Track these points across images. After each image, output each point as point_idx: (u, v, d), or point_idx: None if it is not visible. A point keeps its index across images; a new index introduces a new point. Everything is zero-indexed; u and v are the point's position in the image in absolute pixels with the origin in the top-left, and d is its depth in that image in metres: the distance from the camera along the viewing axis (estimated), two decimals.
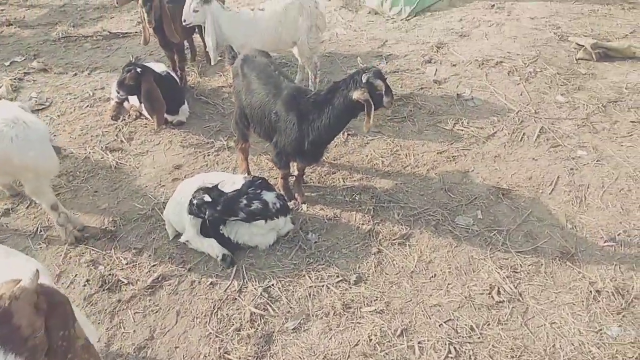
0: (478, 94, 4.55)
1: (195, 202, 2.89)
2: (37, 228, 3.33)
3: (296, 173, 3.44)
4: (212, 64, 4.16)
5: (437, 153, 3.87)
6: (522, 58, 5.08)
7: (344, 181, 3.63)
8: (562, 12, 6.05)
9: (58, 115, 4.49)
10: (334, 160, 3.85)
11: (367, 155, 3.89)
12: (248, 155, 3.64)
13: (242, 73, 3.31)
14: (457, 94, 4.55)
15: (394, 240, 3.12)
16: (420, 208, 3.36)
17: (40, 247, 3.21)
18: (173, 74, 4.40)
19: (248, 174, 3.62)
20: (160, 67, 4.35)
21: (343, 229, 3.23)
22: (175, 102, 4.20)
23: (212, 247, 3.02)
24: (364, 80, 2.80)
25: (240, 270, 2.97)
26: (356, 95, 2.82)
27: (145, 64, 3.97)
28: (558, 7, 6.22)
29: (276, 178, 3.53)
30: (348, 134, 4.10)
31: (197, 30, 4.73)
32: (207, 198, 2.88)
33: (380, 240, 3.14)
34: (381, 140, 4.05)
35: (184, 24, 3.99)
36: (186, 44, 5.02)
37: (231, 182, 3.12)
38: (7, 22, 6.51)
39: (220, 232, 3.02)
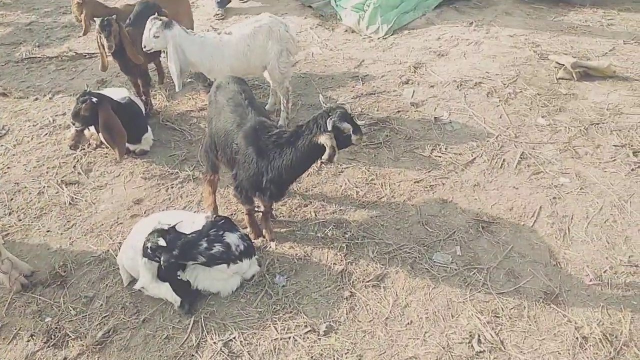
0: (456, 117, 4.39)
1: (149, 245, 2.65)
2: None
3: (262, 209, 3.21)
4: (177, 90, 3.93)
5: (414, 182, 3.68)
6: (502, 78, 4.95)
7: (316, 215, 3.41)
8: (541, 29, 5.96)
9: (14, 145, 4.21)
10: (306, 191, 3.63)
11: (341, 185, 3.68)
12: (216, 188, 3.41)
13: (215, 99, 3.14)
14: (435, 118, 4.39)
15: (367, 282, 2.91)
16: (396, 244, 3.16)
17: None
18: (136, 100, 4.16)
19: (214, 209, 3.39)
20: (121, 93, 4.11)
21: (314, 270, 3.01)
22: (138, 131, 3.95)
23: (169, 293, 2.77)
24: (329, 127, 2.61)
25: (199, 321, 2.72)
26: (322, 140, 2.64)
27: (101, 93, 3.72)
28: (537, 24, 6.14)
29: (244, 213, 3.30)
30: (321, 162, 3.88)
31: (163, 52, 4.51)
32: (162, 242, 2.63)
33: (353, 282, 2.92)
34: (356, 169, 3.85)
35: (144, 49, 3.76)
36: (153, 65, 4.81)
37: (191, 221, 2.89)
38: None
39: (178, 277, 2.77)
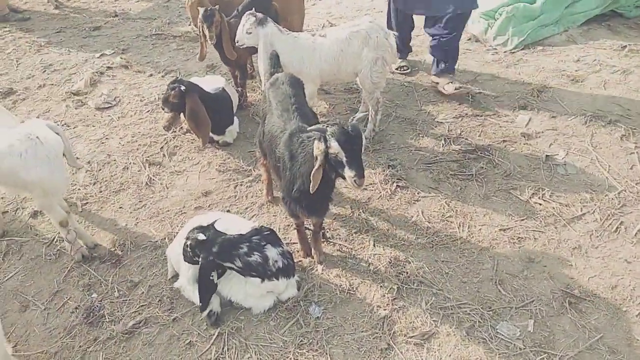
0: (574, 159, 3.69)
1: (189, 242, 2.59)
2: (55, 237, 3.30)
3: (311, 227, 3.00)
4: (263, 89, 3.84)
5: (500, 229, 3.16)
6: None
7: (374, 244, 3.10)
8: None
9: (118, 117, 4.52)
10: (372, 215, 3.32)
11: (412, 216, 3.30)
12: (270, 173, 3.35)
13: (268, 97, 3.02)
14: (547, 155, 3.73)
15: (411, 337, 2.54)
16: (456, 300, 2.72)
17: (50, 259, 3.16)
18: (229, 91, 4.18)
19: (269, 185, 3.37)
20: (218, 82, 4.16)
21: (354, 308, 2.72)
22: (223, 123, 3.97)
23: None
24: (328, 134, 2.29)
25: (224, 335, 2.62)
26: (314, 146, 2.34)
27: (191, 81, 3.78)
28: None
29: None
30: (397, 185, 3.54)
31: None
32: (202, 237, 2.56)
33: (394, 333, 2.58)
34: (435, 200, 3.42)
35: (236, 44, 3.72)
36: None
37: (237, 230, 2.78)
38: (114, 13, 6.89)
39: (211, 278, 2.66)
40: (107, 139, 4.23)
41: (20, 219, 3.46)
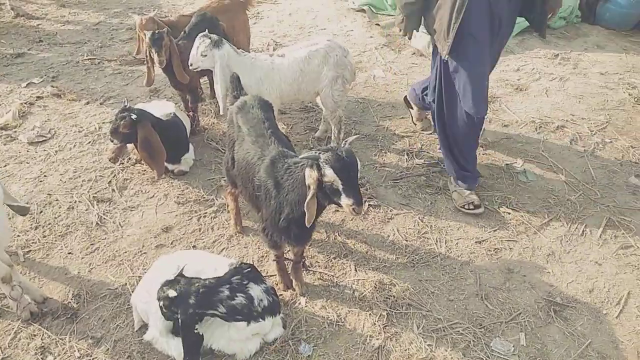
0: (532, 167, 3.81)
1: (161, 304, 2.34)
2: None
3: (292, 257, 2.84)
4: (222, 113, 3.65)
5: (476, 242, 3.17)
6: (589, 123, 4.31)
7: (356, 269, 2.99)
8: (639, 68, 5.21)
9: (56, 151, 4.10)
10: (348, 238, 3.22)
11: (388, 235, 3.23)
12: (238, 202, 3.18)
13: (236, 122, 2.81)
14: (507, 164, 3.83)
15: None
16: (447, 320, 2.67)
17: None
18: (181, 117, 3.93)
19: (239, 227, 3.16)
20: (168, 108, 3.89)
21: (346, 341, 2.58)
22: (178, 151, 3.71)
23: (178, 351, 2.44)
24: (321, 161, 2.16)
25: None
26: (306, 174, 2.21)
27: (142, 109, 3.50)
28: (635, 61, 5.39)
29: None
30: (370, 205, 3.46)
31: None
32: (172, 293, 2.31)
33: None
34: (408, 217, 3.38)
35: (190, 67, 3.50)
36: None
37: (212, 268, 2.56)
38: (38, 39, 6.35)
39: (195, 330, 2.42)
40: (45, 176, 3.81)
41: None
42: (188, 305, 2.34)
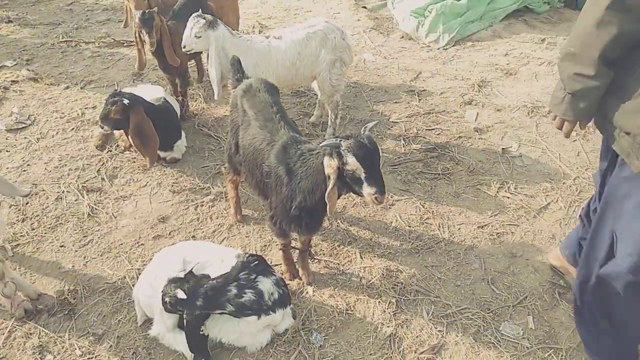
0: (527, 151, 3.84)
1: (167, 300, 2.25)
2: None
3: (299, 245, 2.78)
4: (216, 98, 3.51)
5: (478, 227, 3.17)
6: None
7: (361, 257, 2.95)
8: None
9: (37, 139, 3.89)
10: (351, 225, 3.17)
11: (391, 222, 3.21)
12: (238, 190, 3.10)
13: (241, 107, 2.70)
14: (503, 149, 3.85)
15: (421, 353, 2.43)
16: (456, 306, 2.67)
17: None
18: (171, 101, 3.78)
19: (239, 217, 3.06)
20: (156, 92, 3.73)
21: (357, 329, 2.55)
22: (170, 137, 3.57)
23: (186, 346, 2.36)
24: (342, 149, 2.07)
25: None
26: (325, 163, 2.12)
27: (133, 93, 3.34)
28: None
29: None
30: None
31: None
32: (181, 294, 2.22)
33: (403, 350, 2.45)
34: (409, 202, 3.36)
35: (183, 50, 3.35)
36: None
37: (219, 259, 2.47)
38: (7, 19, 5.98)
39: (201, 332, 2.34)
40: (28, 165, 3.61)
41: None
42: (195, 307, 2.26)
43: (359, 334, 2.52)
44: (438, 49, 5.44)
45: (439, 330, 2.54)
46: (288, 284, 2.74)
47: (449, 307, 2.66)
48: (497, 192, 3.44)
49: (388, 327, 2.55)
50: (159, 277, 2.39)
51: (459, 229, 3.17)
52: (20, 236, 3.05)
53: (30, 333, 2.52)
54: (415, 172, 3.62)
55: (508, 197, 3.40)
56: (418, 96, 4.55)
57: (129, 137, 3.33)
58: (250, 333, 2.40)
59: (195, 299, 2.23)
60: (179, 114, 3.91)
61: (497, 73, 4.92)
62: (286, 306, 2.48)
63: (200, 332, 2.29)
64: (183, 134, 3.75)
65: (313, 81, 3.70)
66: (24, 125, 4.04)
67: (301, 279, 2.79)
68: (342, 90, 3.75)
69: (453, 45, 5.48)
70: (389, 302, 2.66)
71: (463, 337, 2.52)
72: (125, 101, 3.14)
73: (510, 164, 3.71)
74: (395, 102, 4.46)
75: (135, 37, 3.60)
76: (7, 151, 3.75)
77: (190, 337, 2.26)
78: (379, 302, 2.67)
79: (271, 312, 2.37)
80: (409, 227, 3.17)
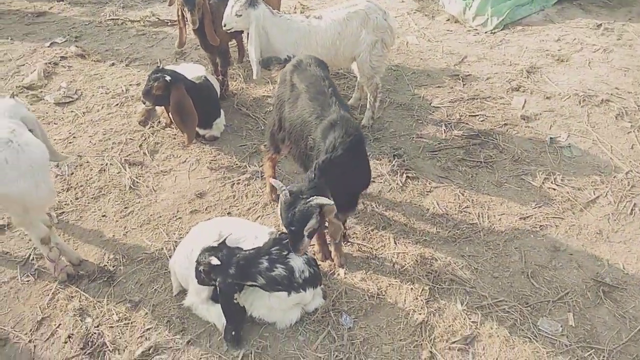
0: (577, 141, 3.65)
1: (201, 268, 2.28)
2: (30, 255, 2.85)
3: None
4: (255, 77, 3.51)
5: (520, 218, 3.05)
6: (635, 98, 4.10)
7: (395, 242, 2.90)
8: None
9: (83, 112, 4.02)
10: (386, 210, 3.12)
11: (428, 209, 3.13)
12: (275, 167, 3.10)
13: (290, 81, 2.69)
14: (551, 138, 3.67)
15: (453, 343, 2.38)
16: (492, 298, 2.59)
17: (28, 281, 2.72)
18: (212, 80, 3.80)
19: (274, 196, 3.06)
20: (198, 71, 3.76)
21: (387, 314, 2.52)
22: (210, 115, 3.61)
23: (219, 318, 2.40)
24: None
25: (249, 356, 2.34)
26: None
27: (175, 70, 3.38)
28: None
29: None
30: (407, 176, 3.35)
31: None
32: (215, 261, 2.25)
33: (434, 339, 2.40)
34: (448, 189, 3.27)
35: (223, 28, 3.35)
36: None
37: (252, 236, 2.49)
38: None
39: (235, 301, 2.37)
40: (74, 137, 3.74)
41: None
42: (227, 275, 2.29)
43: (389, 318, 2.49)
44: (485, 32, 5.23)
45: (472, 322, 2.47)
46: (320, 265, 2.73)
47: (485, 298, 2.58)
48: (543, 183, 3.30)
49: (420, 314, 2.50)
50: (195, 250, 2.43)
51: (500, 219, 3.06)
52: (65, 205, 3.16)
53: (71, 296, 2.63)
54: (456, 159, 3.51)
55: (554, 189, 3.25)
56: (462, 81, 4.40)
57: (170, 113, 3.39)
58: (281, 309, 2.41)
59: (228, 267, 2.26)
60: (218, 93, 3.94)
61: (547, 59, 4.69)
62: (317, 286, 2.47)
63: (235, 302, 2.31)
64: (222, 112, 3.77)
65: (353, 62, 3.63)
66: (71, 99, 4.17)
67: (333, 261, 2.77)
68: (382, 73, 3.66)
69: (501, 30, 5.25)
70: (422, 290, 2.61)
71: (498, 329, 2.44)
72: (167, 78, 3.18)
73: (558, 154, 3.54)
74: (438, 87, 4.33)
75: (178, 15, 3.63)
76: (55, 123, 3.89)
77: (225, 305, 2.29)
78: (412, 288, 2.62)
79: (301, 290, 2.37)
80: (447, 214, 3.09)
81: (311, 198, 2.04)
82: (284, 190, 2.11)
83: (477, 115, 3.95)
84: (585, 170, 3.40)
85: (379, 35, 3.45)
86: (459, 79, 4.42)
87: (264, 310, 2.43)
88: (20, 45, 4.98)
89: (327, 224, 2.30)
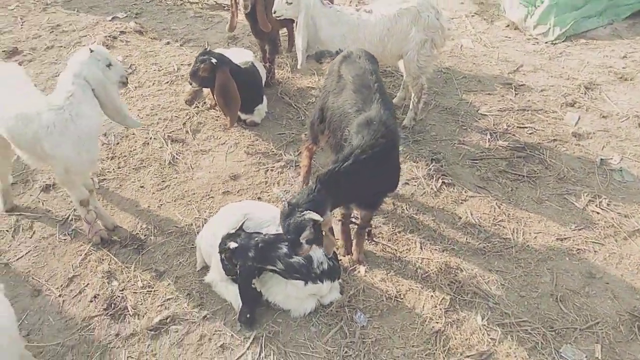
0: (630, 165, 3.44)
1: (223, 256, 2.34)
2: (69, 215, 3.00)
3: (358, 221, 2.73)
4: (299, 67, 3.52)
5: (557, 239, 2.92)
6: None
7: (421, 247, 2.85)
8: None
9: (135, 87, 4.17)
10: (416, 213, 3.06)
11: (460, 217, 3.05)
12: (312, 157, 3.05)
13: (337, 72, 2.68)
14: (601, 159, 3.48)
15: (468, 357, 2.31)
16: (515, 317, 2.49)
17: (65, 239, 2.87)
18: (258, 66, 3.85)
19: (307, 174, 3.06)
20: (246, 56, 3.82)
21: (403, 318, 2.48)
22: (252, 101, 3.65)
23: (235, 298, 2.44)
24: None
25: (260, 339, 2.37)
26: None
27: (222, 54, 3.44)
28: None
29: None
30: (443, 182, 3.27)
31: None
32: (233, 244, 2.30)
33: (449, 350, 2.34)
34: (484, 200, 3.17)
35: (273, 15, 3.38)
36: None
37: (277, 223, 2.50)
38: None
39: (252, 285, 2.40)
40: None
41: (31, 193, 3.16)
42: (247, 257, 2.32)
43: (404, 322, 2.45)
44: (546, 42, 5.01)
45: (491, 338, 2.39)
46: (341, 259, 2.72)
47: (508, 316, 2.49)
48: (587, 205, 3.13)
49: (437, 323, 2.45)
50: (222, 228, 2.48)
51: (535, 237, 2.93)
52: (108, 172, 3.31)
53: (102, 259, 2.75)
54: (497, 170, 3.39)
55: (598, 213, 3.08)
56: (515, 90, 4.23)
57: (214, 95, 3.46)
58: (297, 298, 2.42)
59: (247, 250, 2.29)
60: (264, 80, 3.98)
61: (609, 76, 4.43)
62: (334, 279, 2.47)
63: (252, 286, 2.34)
64: (265, 99, 3.82)
65: (399, 60, 3.57)
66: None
67: (353, 257, 2.75)
68: (429, 74, 3.59)
69: (563, 41, 5.01)
70: (442, 299, 2.55)
71: (517, 350, 2.35)
72: (213, 60, 3.25)
73: (608, 177, 3.35)
74: (488, 94, 4.20)
75: (231, 0, 3.69)
76: None
77: (242, 288, 2.33)
78: (432, 296, 2.57)
79: (318, 281, 2.38)
80: (480, 226, 2.99)
81: (304, 212, 2.03)
82: (284, 200, 2.14)
83: (526, 127, 3.80)
84: (635, 197, 3.20)
85: (429, 35, 3.38)
86: (512, 88, 4.26)
87: (280, 296, 2.46)
88: (85, 17, 5.22)
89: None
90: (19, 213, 2.99)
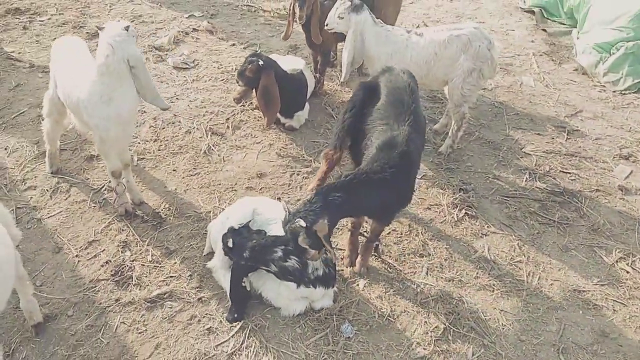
0: None
1: (222, 246, 2.44)
2: (104, 186, 3.24)
3: (368, 234, 2.73)
4: (342, 80, 3.60)
5: (574, 290, 2.74)
6: None
7: (427, 273, 2.78)
8: None
9: (192, 80, 4.45)
10: (430, 239, 3.00)
11: (476, 251, 2.95)
12: (332, 169, 2.91)
13: (376, 80, 2.74)
14: None
15: None
16: (509, 359, 2.36)
17: (94, 206, 3.10)
18: (307, 75, 3.97)
19: (321, 182, 2.99)
20: (297, 64, 3.96)
21: (390, 338, 2.43)
22: (293, 106, 3.78)
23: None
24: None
25: (246, 331, 2.42)
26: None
27: (270, 57, 3.60)
28: None
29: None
30: (467, 213, 3.18)
31: None
32: (230, 243, 2.39)
33: None
34: (506, 238, 3.04)
35: (325, 27, 3.49)
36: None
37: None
38: None
39: (243, 284, 2.47)
40: (177, 99, 4.16)
41: (75, 160, 3.44)
42: (241, 257, 2.39)
43: (391, 342, 2.40)
44: (614, 91, 4.74)
45: None
46: (342, 270, 2.72)
47: (501, 357, 2.37)
48: (616, 261, 2.92)
49: (424, 349, 2.38)
50: (230, 218, 2.58)
51: (552, 284, 2.77)
52: (148, 152, 3.54)
53: (122, 229, 2.94)
54: (527, 211, 3.25)
55: (627, 272, 2.86)
56: (567, 134, 4.05)
57: (256, 95, 3.61)
58: (288, 298, 2.46)
59: (242, 251, 2.36)
60: (311, 89, 4.09)
61: None
62: (329, 286, 2.47)
63: (242, 285, 2.41)
64: (307, 106, 3.92)
65: (444, 86, 3.55)
66: (187, 66, 4.64)
67: (354, 269, 2.74)
68: (471, 103, 3.53)
69: (634, 92, 4.72)
70: (436, 326, 2.47)
71: None
72: (260, 62, 3.41)
73: None
74: (537, 134, 4.04)
75: (289, 9, 3.86)
76: (166, 83, 4.36)
77: (233, 285, 2.40)
78: (426, 322, 2.50)
79: (311, 286, 2.40)
80: (495, 262, 2.88)
81: (297, 220, 2.15)
82: (287, 210, 2.26)
83: (569, 173, 3.61)
84: None
85: (477, 65, 3.33)
86: (564, 132, 4.07)
87: (272, 293, 2.50)
88: (164, 12, 5.65)
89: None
90: (61, 176, 3.28)
